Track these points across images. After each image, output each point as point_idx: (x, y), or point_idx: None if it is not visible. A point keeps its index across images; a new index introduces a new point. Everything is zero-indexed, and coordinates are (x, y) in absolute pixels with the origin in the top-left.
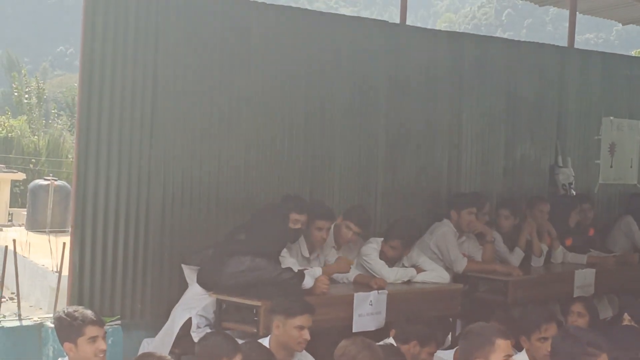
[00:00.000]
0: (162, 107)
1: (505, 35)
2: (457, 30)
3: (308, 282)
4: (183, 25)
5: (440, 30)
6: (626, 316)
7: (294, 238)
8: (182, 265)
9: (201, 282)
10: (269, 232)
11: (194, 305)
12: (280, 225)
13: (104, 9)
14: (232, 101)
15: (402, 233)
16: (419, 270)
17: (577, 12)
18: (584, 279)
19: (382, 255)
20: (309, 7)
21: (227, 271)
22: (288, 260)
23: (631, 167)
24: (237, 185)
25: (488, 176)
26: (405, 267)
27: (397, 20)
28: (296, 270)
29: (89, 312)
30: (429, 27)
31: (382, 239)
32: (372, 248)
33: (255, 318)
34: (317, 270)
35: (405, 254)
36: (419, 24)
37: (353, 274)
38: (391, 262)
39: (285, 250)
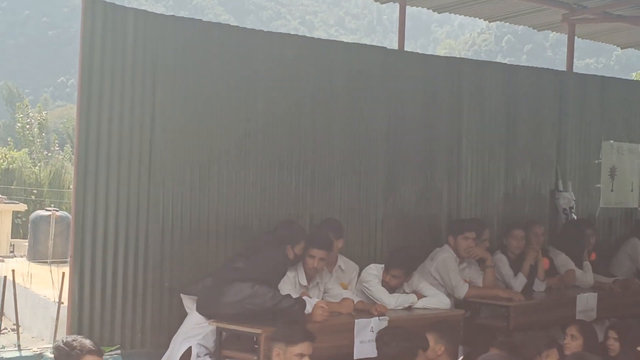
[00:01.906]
0: (160, 137)
1: (505, 61)
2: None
3: (308, 310)
4: (181, 57)
5: (438, 56)
6: (612, 333)
7: (319, 244)
8: (181, 295)
9: (201, 310)
10: (268, 260)
11: (194, 334)
12: (279, 253)
13: (101, 40)
14: (231, 131)
15: (403, 262)
16: (420, 296)
17: (576, 37)
18: (587, 303)
19: (384, 284)
20: (309, 35)
21: (226, 300)
22: (286, 288)
23: (632, 190)
24: (237, 213)
25: (488, 201)
26: (406, 292)
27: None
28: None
29: (87, 342)
30: (432, 54)
31: (382, 265)
32: (373, 274)
33: (256, 346)
34: (314, 300)
35: (406, 281)
36: (419, 51)
37: (354, 299)
38: (392, 289)
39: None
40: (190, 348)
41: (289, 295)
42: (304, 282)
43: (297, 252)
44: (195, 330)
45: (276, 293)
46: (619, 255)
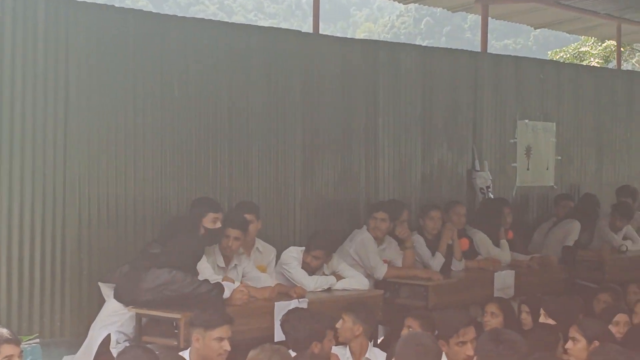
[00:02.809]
0: (74, 124)
1: (424, 43)
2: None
3: (226, 294)
4: (94, 43)
5: (353, 39)
6: (524, 308)
7: (216, 239)
8: (99, 283)
9: (118, 298)
10: (182, 242)
11: (112, 321)
12: (194, 236)
13: (11, 28)
14: (147, 116)
15: (324, 243)
16: (339, 277)
17: (490, 18)
18: (504, 281)
19: (305, 265)
20: (228, 20)
21: (144, 286)
22: (205, 272)
23: (547, 169)
24: (154, 198)
25: (406, 182)
26: (326, 274)
27: None
28: (212, 281)
29: (4, 331)
30: (348, 37)
31: (303, 248)
32: (292, 257)
33: (176, 331)
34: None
35: (326, 262)
36: (338, 35)
37: (272, 282)
38: (313, 270)
39: (204, 258)
40: (109, 335)
41: (206, 281)
42: (222, 264)
43: (206, 224)
44: (113, 317)
45: (194, 278)
46: (550, 235)
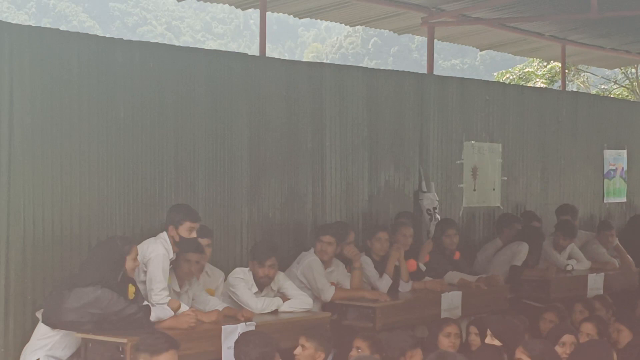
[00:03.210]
0: (19, 147)
1: (372, 63)
2: (323, 61)
3: (159, 316)
4: (39, 67)
5: (299, 61)
6: (472, 329)
7: (189, 248)
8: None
9: (45, 320)
10: (100, 258)
11: (42, 345)
12: (112, 250)
13: None
14: (93, 139)
15: (272, 250)
16: (284, 298)
17: (436, 39)
18: (451, 301)
19: (259, 280)
20: (176, 41)
21: (67, 306)
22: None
23: (494, 189)
24: (100, 221)
25: (353, 204)
26: (273, 290)
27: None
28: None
29: None
30: (296, 57)
31: (247, 268)
32: (239, 278)
33: (122, 356)
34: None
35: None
36: (286, 55)
37: (221, 305)
38: (267, 283)
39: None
40: None
41: (134, 302)
42: (177, 288)
43: (182, 233)
44: (42, 341)
45: (120, 298)
46: (498, 255)
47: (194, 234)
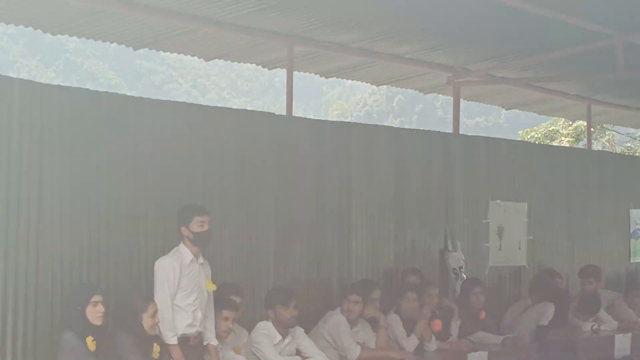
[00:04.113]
0: (48, 206)
1: (396, 121)
2: (348, 119)
3: None
4: (68, 126)
5: (326, 121)
6: None
7: (204, 242)
8: None
9: None
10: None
11: None
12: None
13: None
14: (121, 200)
15: (289, 291)
16: (302, 356)
17: (462, 99)
18: None
19: (282, 323)
20: (202, 99)
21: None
22: None
23: (520, 249)
24: (127, 280)
25: (379, 262)
26: (293, 336)
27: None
28: None
29: None
30: (321, 114)
31: (269, 322)
32: (262, 334)
33: None
34: None
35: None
36: (310, 113)
37: None
38: (292, 323)
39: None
40: None
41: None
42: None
43: (194, 229)
44: None
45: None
46: (525, 315)
47: (206, 227)
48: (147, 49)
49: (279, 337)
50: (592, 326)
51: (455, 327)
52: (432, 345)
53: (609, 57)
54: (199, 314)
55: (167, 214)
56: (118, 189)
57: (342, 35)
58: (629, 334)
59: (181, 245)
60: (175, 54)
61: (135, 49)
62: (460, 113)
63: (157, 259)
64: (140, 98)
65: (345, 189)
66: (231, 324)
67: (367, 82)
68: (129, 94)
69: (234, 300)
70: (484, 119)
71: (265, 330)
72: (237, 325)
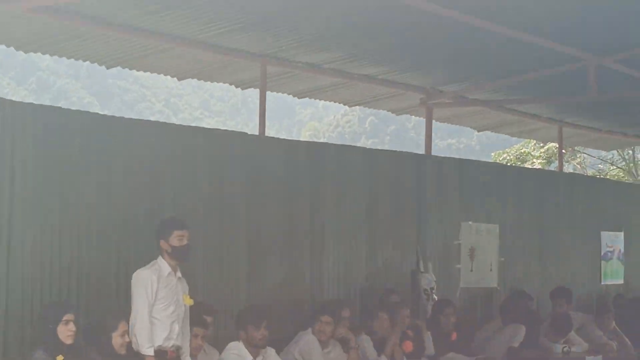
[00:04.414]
0: (20, 223)
1: (369, 142)
2: (320, 140)
3: None
4: (41, 144)
5: (299, 141)
6: None
7: (183, 257)
8: None
9: None
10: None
11: None
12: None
13: None
14: (92, 218)
15: (262, 312)
16: None
17: (434, 120)
18: None
19: (253, 343)
20: (174, 118)
21: None
22: None
23: (491, 270)
24: (98, 293)
25: (351, 282)
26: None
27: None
28: None
29: None
30: (294, 135)
31: (240, 341)
32: (233, 355)
33: None
34: None
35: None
36: (283, 133)
37: None
38: (263, 344)
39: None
40: None
41: None
42: None
43: (173, 243)
44: None
45: None
46: (496, 336)
47: (185, 241)
48: (119, 67)
49: (250, 358)
50: (563, 348)
51: (428, 341)
52: None
53: (581, 79)
54: (176, 327)
55: (138, 231)
56: (89, 206)
57: (316, 55)
58: (600, 356)
59: (159, 258)
60: (148, 73)
61: (108, 68)
62: (433, 134)
63: (129, 275)
64: (113, 117)
65: (317, 209)
66: (201, 341)
67: (339, 103)
68: (101, 112)
69: (204, 319)
70: (456, 141)
71: (236, 350)
72: (208, 345)
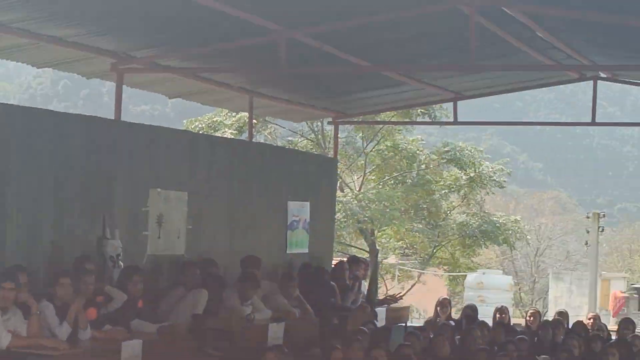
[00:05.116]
0: None
1: (61, 106)
2: (11, 101)
3: None
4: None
5: None
6: None
7: None
8: None
9: None
10: None
11: None
12: None
13: None
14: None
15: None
16: None
17: (126, 86)
18: (132, 350)
19: None
20: None
21: None
22: None
23: (179, 237)
24: None
25: (36, 249)
26: None
27: None
28: None
29: None
30: None
31: None
32: None
33: None
34: None
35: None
36: None
37: None
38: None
39: None
40: None
41: None
42: None
43: None
44: None
45: None
46: (180, 303)
47: None
48: None
49: None
50: (247, 315)
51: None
52: (86, 333)
53: (273, 51)
54: None
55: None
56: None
57: (3, 14)
58: (282, 323)
59: None
60: None
61: None
62: (126, 100)
63: None
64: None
65: (2, 173)
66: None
67: (27, 64)
68: None
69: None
70: (149, 107)
71: None
72: None
